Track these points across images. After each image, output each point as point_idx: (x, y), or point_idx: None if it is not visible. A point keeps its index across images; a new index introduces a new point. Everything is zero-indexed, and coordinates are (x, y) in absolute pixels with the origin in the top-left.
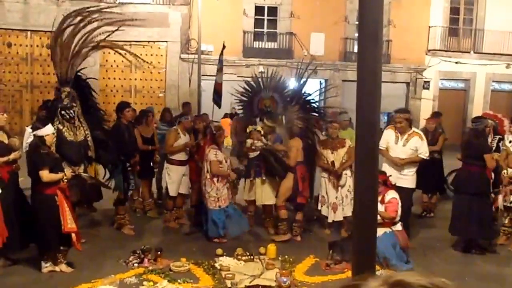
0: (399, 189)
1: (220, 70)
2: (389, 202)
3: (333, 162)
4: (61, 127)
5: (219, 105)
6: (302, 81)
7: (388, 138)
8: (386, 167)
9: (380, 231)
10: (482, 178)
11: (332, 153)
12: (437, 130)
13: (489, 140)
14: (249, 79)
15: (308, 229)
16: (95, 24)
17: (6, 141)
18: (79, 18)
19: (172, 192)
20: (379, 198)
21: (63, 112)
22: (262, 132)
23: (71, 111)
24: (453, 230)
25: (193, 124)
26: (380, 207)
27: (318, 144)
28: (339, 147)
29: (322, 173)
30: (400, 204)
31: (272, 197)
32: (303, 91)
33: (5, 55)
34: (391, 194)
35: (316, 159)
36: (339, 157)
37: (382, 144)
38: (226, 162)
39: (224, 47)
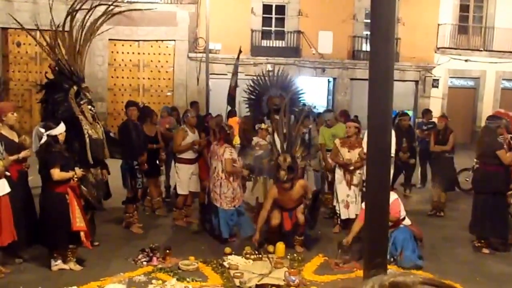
0: None
1: (234, 74)
2: (392, 204)
3: (349, 160)
4: (83, 125)
5: (233, 106)
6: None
7: None
8: None
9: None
10: (499, 176)
11: (349, 151)
12: (447, 130)
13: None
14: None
15: (316, 228)
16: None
17: (16, 140)
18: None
19: (181, 191)
20: None
21: (89, 106)
22: (269, 130)
23: (93, 106)
24: (471, 229)
25: (198, 121)
26: None
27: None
28: (357, 146)
29: (336, 169)
30: (401, 203)
31: None
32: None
33: (15, 54)
34: (392, 196)
35: (332, 155)
36: (355, 156)
37: None
38: (239, 161)
39: (240, 51)
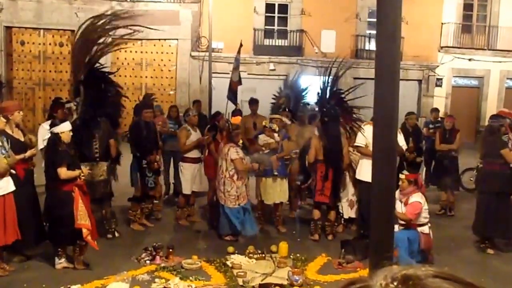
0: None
1: (236, 69)
2: (410, 205)
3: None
4: None
5: (234, 103)
6: (334, 78)
7: (368, 135)
8: (366, 164)
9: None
10: (503, 176)
11: (354, 150)
12: (454, 129)
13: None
14: (259, 77)
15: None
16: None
17: (22, 139)
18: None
19: (186, 190)
20: (404, 200)
21: None
22: (276, 129)
23: None
24: (475, 230)
25: (200, 119)
26: (403, 208)
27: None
28: None
29: None
30: (423, 207)
31: (285, 195)
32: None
33: (18, 53)
34: (416, 198)
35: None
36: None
37: (362, 142)
38: (244, 159)
39: (241, 45)
